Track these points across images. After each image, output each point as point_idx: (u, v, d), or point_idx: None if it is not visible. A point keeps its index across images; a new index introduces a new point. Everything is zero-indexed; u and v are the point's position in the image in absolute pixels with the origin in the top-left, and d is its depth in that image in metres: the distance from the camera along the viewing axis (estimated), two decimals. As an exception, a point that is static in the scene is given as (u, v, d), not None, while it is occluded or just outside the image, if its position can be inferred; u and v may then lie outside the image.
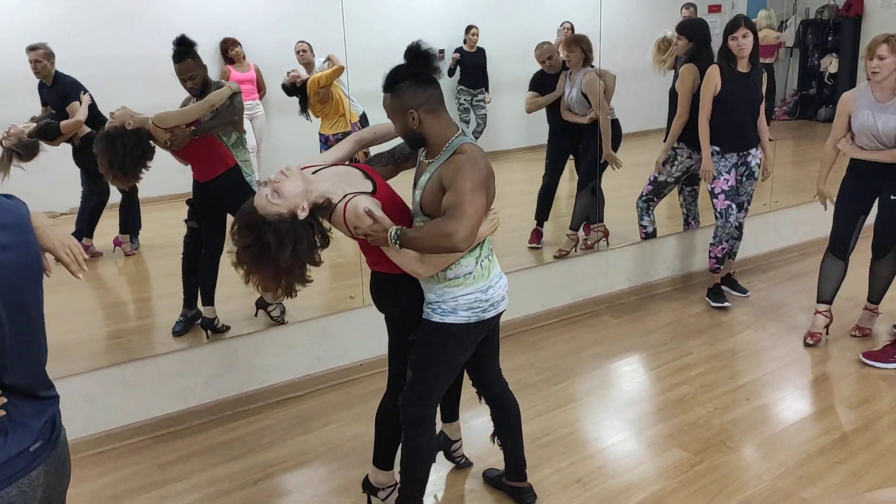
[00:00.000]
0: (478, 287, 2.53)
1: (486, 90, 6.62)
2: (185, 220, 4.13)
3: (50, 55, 4.10)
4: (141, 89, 5.11)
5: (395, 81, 2.37)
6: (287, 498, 3.12)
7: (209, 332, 3.99)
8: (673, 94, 4.96)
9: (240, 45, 5.35)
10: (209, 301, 4.02)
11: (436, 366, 2.64)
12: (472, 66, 6.71)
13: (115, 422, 3.54)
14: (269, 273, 2.34)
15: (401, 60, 2.37)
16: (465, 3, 6.95)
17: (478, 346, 2.71)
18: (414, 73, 2.35)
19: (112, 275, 4.96)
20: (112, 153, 3.56)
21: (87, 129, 4.24)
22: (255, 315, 4.12)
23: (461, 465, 3.26)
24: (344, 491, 3.13)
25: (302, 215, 2.34)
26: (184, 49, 3.79)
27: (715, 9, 9.21)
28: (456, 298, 2.53)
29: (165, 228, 5.16)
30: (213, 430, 3.65)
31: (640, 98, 7.99)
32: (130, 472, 3.32)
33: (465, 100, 6.74)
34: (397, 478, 2.89)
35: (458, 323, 2.54)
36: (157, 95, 5.21)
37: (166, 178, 4.96)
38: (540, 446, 3.39)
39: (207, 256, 4.04)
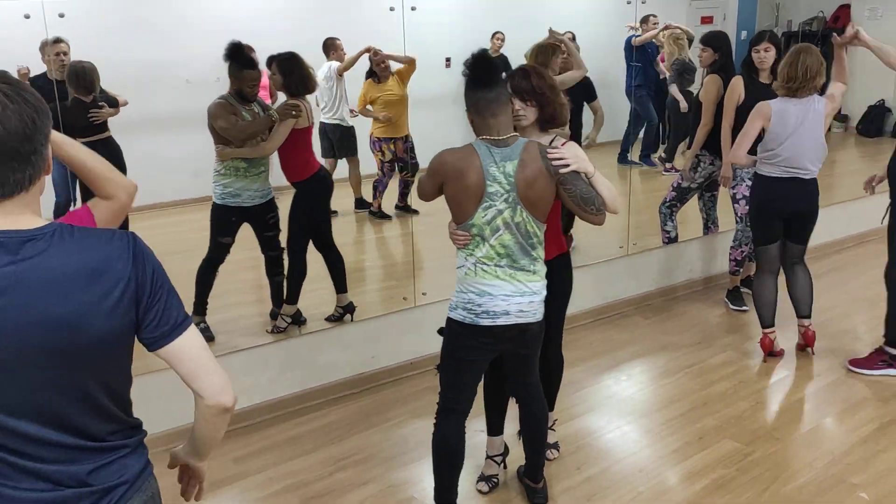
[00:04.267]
0: (471, 287, 2.65)
1: None
2: (218, 237, 4.15)
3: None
4: (156, 93, 5.20)
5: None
6: (366, 487, 3.26)
7: (300, 324, 4.24)
8: (697, 104, 5.18)
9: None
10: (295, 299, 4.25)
11: (443, 357, 2.83)
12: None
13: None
14: None
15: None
16: (467, 11, 7.13)
17: (505, 359, 2.87)
18: (471, 76, 2.58)
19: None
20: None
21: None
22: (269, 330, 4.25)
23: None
24: (420, 480, 3.28)
25: None
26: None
27: (707, 20, 9.50)
28: (457, 294, 2.71)
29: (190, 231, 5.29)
30: (279, 425, 3.78)
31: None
32: (208, 467, 3.40)
33: None
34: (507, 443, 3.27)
35: (456, 319, 2.71)
36: (171, 99, 5.30)
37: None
38: (597, 439, 3.58)
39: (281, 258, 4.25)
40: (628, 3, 5.00)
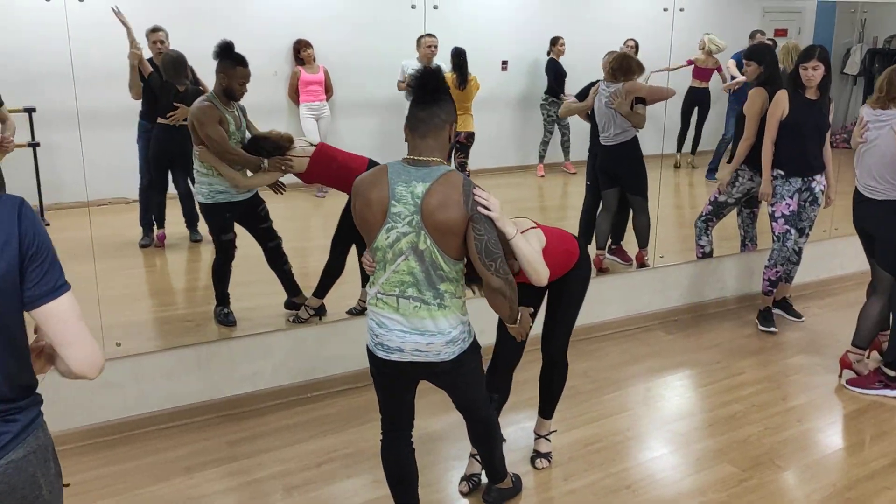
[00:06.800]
0: (373, 316, 2.53)
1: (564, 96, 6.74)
2: (220, 236, 4.19)
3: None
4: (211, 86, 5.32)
5: None
6: (348, 482, 3.28)
7: (321, 316, 4.29)
8: (741, 117, 5.02)
9: (311, 47, 5.56)
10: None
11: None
12: (555, 75, 6.84)
13: (188, 399, 3.75)
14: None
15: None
16: (533, 14, 7.08)
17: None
18: (412, 91, 2.42)
19: (179, 262, 5.22)
20: None
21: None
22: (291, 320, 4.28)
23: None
24: (402, 479, 3.27)
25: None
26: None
27: (781, 33, 9.20)
28: (367, 318, 2.58)
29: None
30: (278, 413, 3.84)
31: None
32: (201, 447, 3.52)
33: (549, 110, 6.91)
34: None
35: (367, 344, 2.60)
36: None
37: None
38: (592, 451, 3.51)
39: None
40: (665, 10, 4.88)
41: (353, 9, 5.81)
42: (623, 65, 4.87)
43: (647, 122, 5.02)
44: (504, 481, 3.08)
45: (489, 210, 2.39)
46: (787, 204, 4.73)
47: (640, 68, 4.89)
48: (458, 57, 5.56)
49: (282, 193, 4.17)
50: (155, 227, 5.09)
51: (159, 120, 4.54)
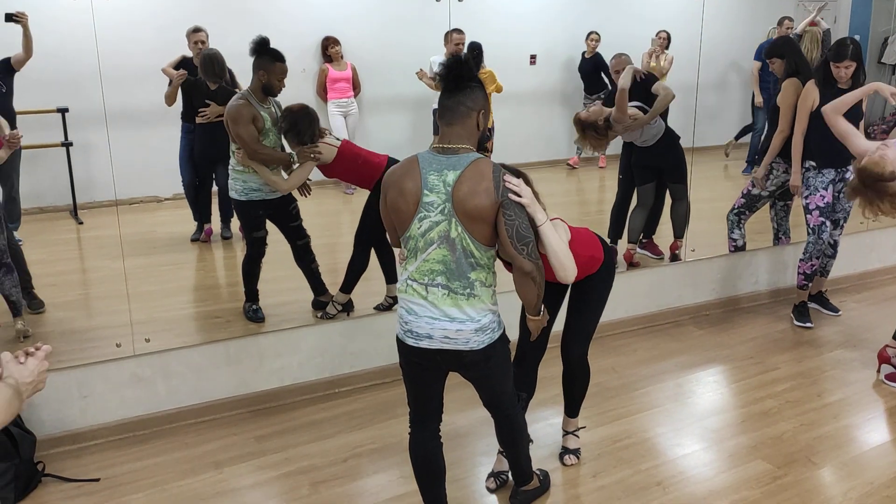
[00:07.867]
0: (402, 304, 2.54)
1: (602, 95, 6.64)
2: (252, 233, 4.21)
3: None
4: (245, 84, 5.35)
5: None
6: (375, 477, 3.28)
7: (349, 312, 4.27)
8: (775, 110, 4.92)
9: (339, 44, 5.57)
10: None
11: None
12: (585, 72, 6.77)
13: (217, 394, 3.77)
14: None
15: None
16: (563, 7, 7.01)
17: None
18: (440, 80, 2.45)
19: (209, 259, 5.25)
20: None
21: None
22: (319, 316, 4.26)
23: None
24: (429, 475, 3.25)
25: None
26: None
27: (815, 23, 9.01)
28: (398, 306, 2.60)
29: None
30: (305, 408, 3.85)
31: (736, 110, 7.88)
32: (230, 442, 3.54)
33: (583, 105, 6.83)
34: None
35: (397, 332, 2.60)
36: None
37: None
38: (621, 447, 3.46)
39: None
40: (695, -1, 4.81)
41: (378, 5, 5.80)
42: (589, 132, 4.71)
43: (676, 121, 4.95)
44: (530, 483, 3.05)
45: (519, 196, 2.40)
46: (821, 195, 4.63)
47: (594, 123, 4.69)
48: (473, 51, 5.51)
49: (307, 196, 4.18)
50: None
51: (198, 120, 4.57)
